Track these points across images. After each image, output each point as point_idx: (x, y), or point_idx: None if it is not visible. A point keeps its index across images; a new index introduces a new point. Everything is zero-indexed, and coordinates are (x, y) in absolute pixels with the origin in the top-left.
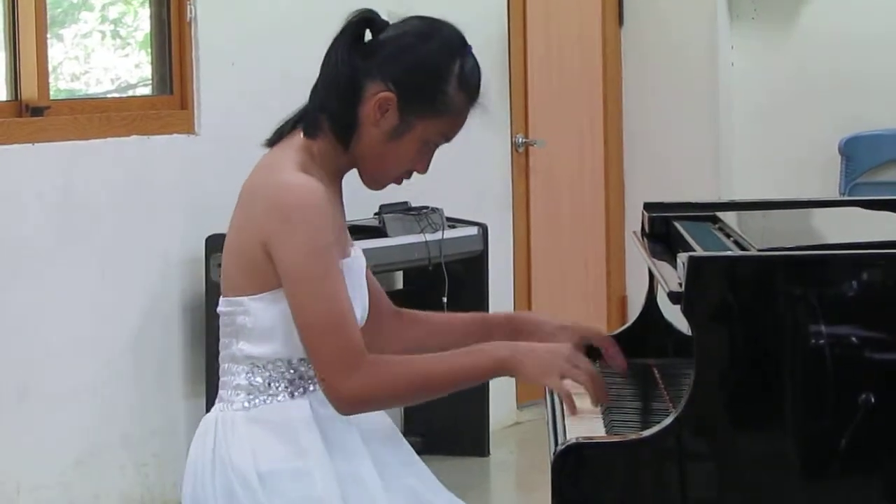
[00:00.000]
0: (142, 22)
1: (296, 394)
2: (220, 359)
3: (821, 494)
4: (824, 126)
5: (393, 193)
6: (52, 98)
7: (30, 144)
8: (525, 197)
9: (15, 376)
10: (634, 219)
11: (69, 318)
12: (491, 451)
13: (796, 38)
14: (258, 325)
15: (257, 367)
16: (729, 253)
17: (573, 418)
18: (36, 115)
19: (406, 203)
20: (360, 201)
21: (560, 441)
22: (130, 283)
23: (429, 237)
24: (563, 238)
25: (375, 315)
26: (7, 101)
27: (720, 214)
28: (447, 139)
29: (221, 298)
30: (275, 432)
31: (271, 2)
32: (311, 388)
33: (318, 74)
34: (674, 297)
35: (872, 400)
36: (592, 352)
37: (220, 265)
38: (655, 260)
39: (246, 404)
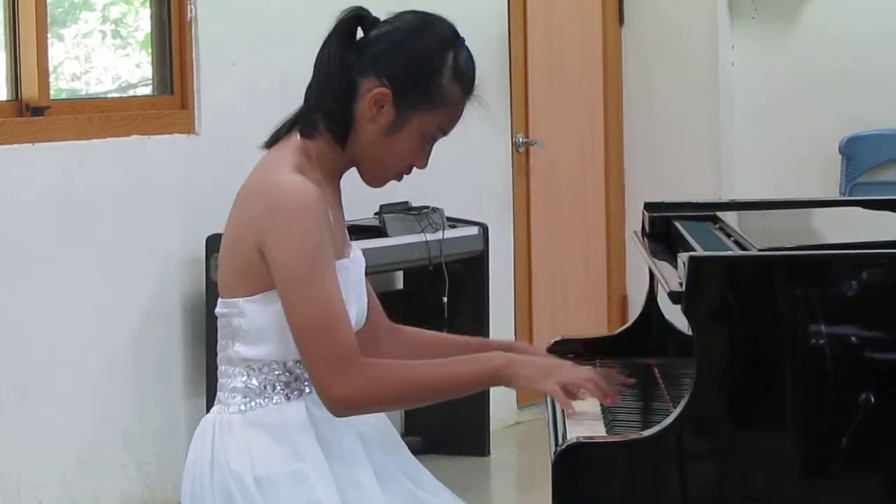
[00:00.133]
0: (142, 22)
1: (291, 396)
2: (217, 361)
3: (821, 494)
4: (825, 126)
5: (393, 193)
6: (52, 98)
7: (30, 144)
8: (525, 197)
9: (16, 376)
10: (635, 219)
11: (70, 318)
12: (491, 451)
13: (797, 37)
14: (253, 326)
15: (253, 369)
16: (729, 253)
17: (573, 418)
18: (36, 114)
19: (406, 203)
20: (360, 201)
21: (560, 441)
22: (131, 283)
23: (429, 237)
24: (564, 238)
25: (372, 330)
26: (7, 100)
27: (720, 214)
28: (444, 132)
29: (219, 300)
30: (271, 435)
31: (271, 2)
32: (307, 390)
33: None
34: (674, 297)
35: (872, 399)
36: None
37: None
38: (656, 260)
39: (242, 407)
